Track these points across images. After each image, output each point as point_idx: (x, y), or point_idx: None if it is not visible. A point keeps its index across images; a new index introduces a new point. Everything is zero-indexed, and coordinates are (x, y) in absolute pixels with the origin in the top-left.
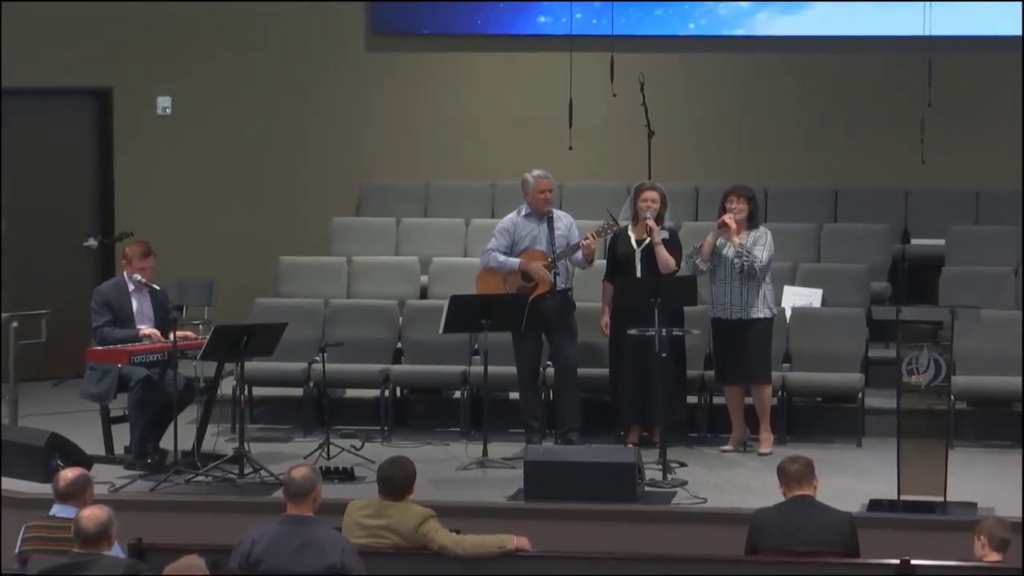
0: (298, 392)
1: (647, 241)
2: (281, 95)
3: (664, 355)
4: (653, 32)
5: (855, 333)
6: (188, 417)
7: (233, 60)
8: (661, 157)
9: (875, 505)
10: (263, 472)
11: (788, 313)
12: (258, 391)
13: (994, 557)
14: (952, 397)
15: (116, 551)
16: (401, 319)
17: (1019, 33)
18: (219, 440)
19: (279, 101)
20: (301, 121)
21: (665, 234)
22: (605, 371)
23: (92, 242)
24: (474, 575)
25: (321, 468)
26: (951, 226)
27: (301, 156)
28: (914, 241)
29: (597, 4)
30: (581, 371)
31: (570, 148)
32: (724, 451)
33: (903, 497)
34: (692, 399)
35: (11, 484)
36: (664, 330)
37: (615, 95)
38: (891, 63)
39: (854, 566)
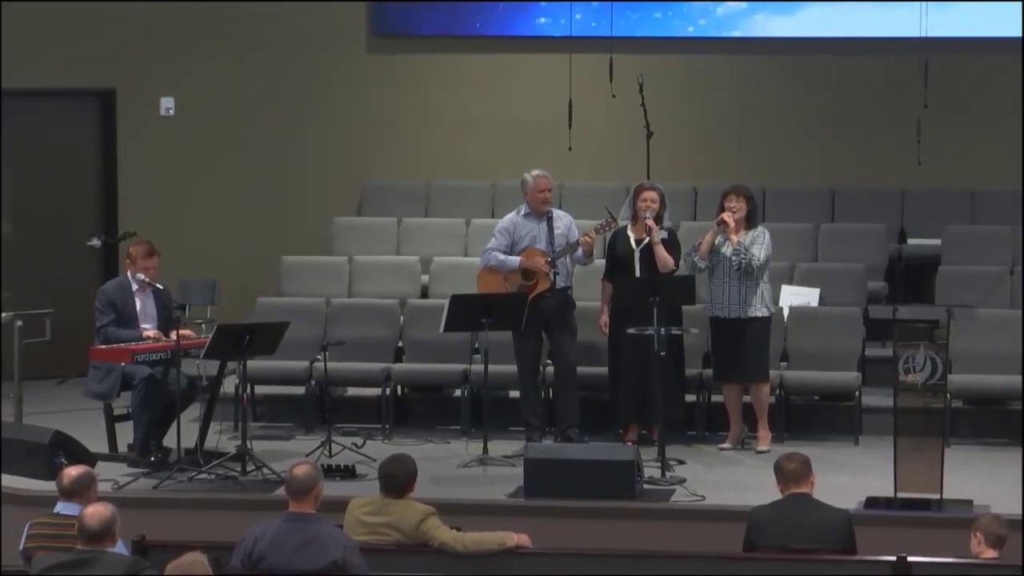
0: (300, 390)
1: (646, 241)
2: (283, 96)
3: (663, 354)
4: (652, 34)
5: (852, 332)
6: (191, 415)
7: (236, 61)
8: (660, 157)
9: (872, 502)
10: (265, 470)
11: (786, 312)
12: (260, 389)
13: (990, 554)
14: (948, 395)
15: (120, 548)
16: (402, 318)
17: (1013, 34)
18: (221, 438)
19: (281, 102)
20: (303, 122)
21: (664, 234)
22: (604, 370)
23: (96, 242)
24: (475, 573)
25: (323, 466)
26: (947, 226)
27: (303, 157)
28: (910, 241)
29: (596, 5)
30: (580, 369)
31: (570, 148)
32: (722, 449)
33: (900, 494)
34: (690, 397)
35: (15, 482)
36: (663, 329)
37: (614, 96)
38: (888, 64)
39: (851, 563)
